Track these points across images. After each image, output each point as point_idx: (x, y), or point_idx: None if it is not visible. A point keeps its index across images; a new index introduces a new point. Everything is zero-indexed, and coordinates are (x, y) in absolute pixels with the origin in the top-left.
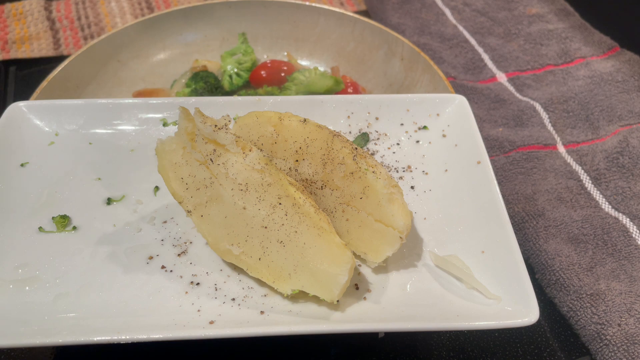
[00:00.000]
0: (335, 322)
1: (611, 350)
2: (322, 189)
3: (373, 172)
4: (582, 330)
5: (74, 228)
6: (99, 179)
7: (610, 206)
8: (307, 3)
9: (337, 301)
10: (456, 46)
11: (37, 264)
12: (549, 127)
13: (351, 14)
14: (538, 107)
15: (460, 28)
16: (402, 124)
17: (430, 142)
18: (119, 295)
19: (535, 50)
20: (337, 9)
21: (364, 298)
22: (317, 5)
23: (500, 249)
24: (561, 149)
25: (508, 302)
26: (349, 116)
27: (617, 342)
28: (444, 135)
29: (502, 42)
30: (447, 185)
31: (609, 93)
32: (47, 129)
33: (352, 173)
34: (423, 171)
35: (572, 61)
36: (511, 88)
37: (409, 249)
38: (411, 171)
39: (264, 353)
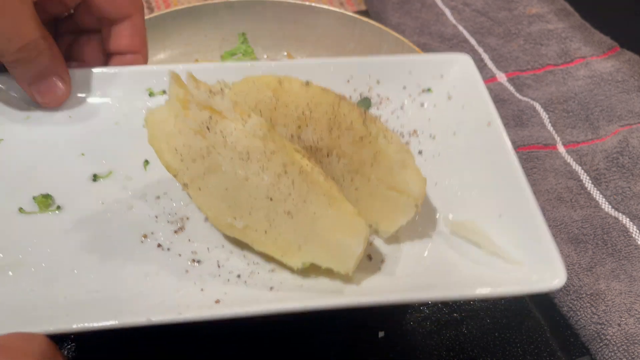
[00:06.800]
0: (351, 296)
1: (611, 350)
2: (328, 156)
3: (384, 136)
4: (582, 330)
5: (58, 208)
6: (83, 154)
7: (610, 206)
8: (307, 3)
9: (352, 273)
10: (456, 46)
11: (18, 248)
12: (549, 127)
13: (351, 14)
14: (538, 107)
15: (460, 28)
16: (404, 87)
17: (435, 105)
18: (113, 277)
19: (535, 50)
20: (337, 9)
21: (378, 269)
22: (317, 5)
23: (518, 211)
24: (561, 149)
25: (531, 266)
26: (348, 80)
27: (617, 342)
28: (449, 97)
29: (502, 42)
30: (456, 148)
31: (609, 93)
32: (22, 102)
33: (361, 138)
34: (430, 135)
35: (572, 61)
36: (511, 88)
37: (421, 217)
38: (417, 136)
39: (263, 354)
